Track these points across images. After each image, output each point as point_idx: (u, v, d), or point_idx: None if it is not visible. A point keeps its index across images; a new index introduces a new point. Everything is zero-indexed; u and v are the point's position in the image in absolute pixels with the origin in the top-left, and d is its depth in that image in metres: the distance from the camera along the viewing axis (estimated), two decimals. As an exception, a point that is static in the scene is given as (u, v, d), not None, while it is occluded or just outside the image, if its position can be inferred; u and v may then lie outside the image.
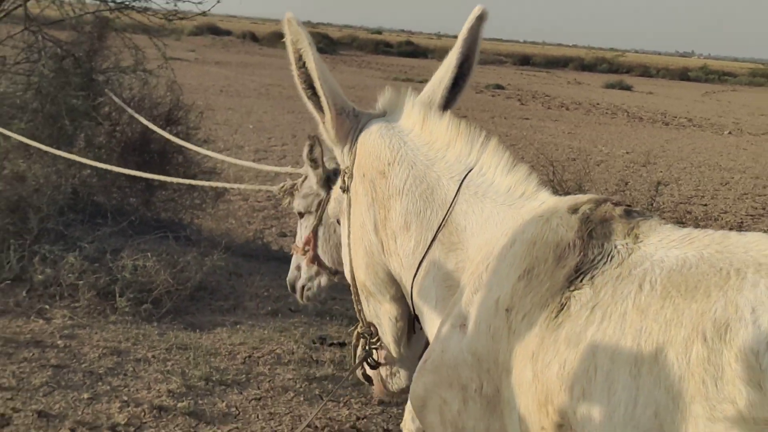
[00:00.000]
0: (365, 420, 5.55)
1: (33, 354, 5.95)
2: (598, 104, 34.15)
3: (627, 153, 19.87)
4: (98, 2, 8.12)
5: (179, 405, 5.42)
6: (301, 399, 5.71)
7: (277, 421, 5.41)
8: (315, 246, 4.77)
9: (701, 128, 27.19)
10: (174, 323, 6.79)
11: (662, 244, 2.18)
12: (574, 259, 2.24)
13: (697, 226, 11.54)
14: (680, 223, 12.40)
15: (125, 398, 5.45)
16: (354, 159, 2.87)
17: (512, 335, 2.28)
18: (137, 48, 8.09)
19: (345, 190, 2.95)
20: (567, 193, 9.04)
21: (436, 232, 2.65)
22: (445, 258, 2.66)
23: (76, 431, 4.99)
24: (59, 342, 6.19)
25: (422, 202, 2.70)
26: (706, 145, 22.24)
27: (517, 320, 2.28)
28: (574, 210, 2.37)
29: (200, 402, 5.52)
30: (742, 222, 12.85)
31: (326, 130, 2.85)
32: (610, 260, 2.21)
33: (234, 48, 55.45)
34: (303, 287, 4.89)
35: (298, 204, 4.90)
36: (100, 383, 5.65)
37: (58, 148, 7.94)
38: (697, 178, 16.79)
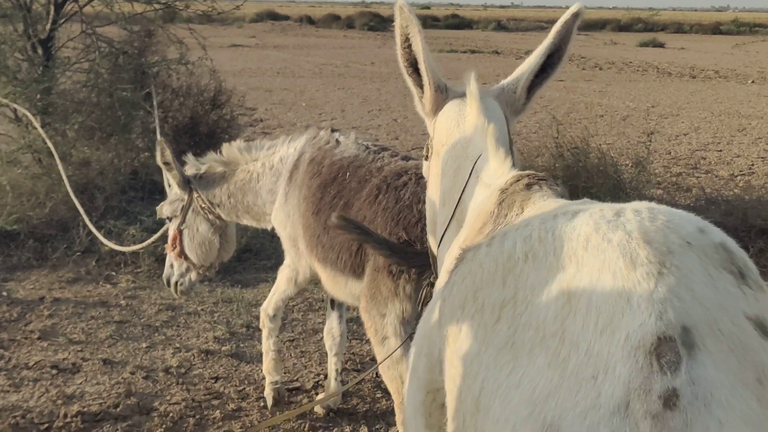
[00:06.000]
0: (383, 354, 5.94)
1: (99, 312, 6.49)
2: (630, 62, 33.74)
3: (652, 107, 19.82)
4: (145, 4, 8.56)
5: (223, 348, 5.91)
6: (329, 339, 6.14)
7: (308, 357, 5.86)
8: (181, 243, 5.09)
9: (726, 79, 26.87)
10: (222, 281, 7.26)
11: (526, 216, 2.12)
12: (488, 227, 2.23)
13: (709, 171, 11.63)
14: (694, 168, 12.57)
15: (177, 345, 5.95)
16: (434, 132, 2.82)
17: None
18: (180, 42, 8.52)
19: (426, 158, 2.93)
20: (575, 149, 9.33)
21: (454, 210, 2.60)
22: (455, 235, 2.59)
23: (135, 374, 5.49)
24: (122, 302, 6.71)
25: (452, 182, 2.64)
26: (728, 95, 22.01)
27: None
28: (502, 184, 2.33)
29: (241, 345, 5.99)
30: (752, 164, 12.87)
31: (422, 104, 2.80)
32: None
33: (292, 31, 55.64)
34: (176, 283, 5.22)
35: (165, 210, 5.16)
36: (156, 334, 6.15)
37: (117, 136, 8.47)
38: (716, 126, 16.71)
